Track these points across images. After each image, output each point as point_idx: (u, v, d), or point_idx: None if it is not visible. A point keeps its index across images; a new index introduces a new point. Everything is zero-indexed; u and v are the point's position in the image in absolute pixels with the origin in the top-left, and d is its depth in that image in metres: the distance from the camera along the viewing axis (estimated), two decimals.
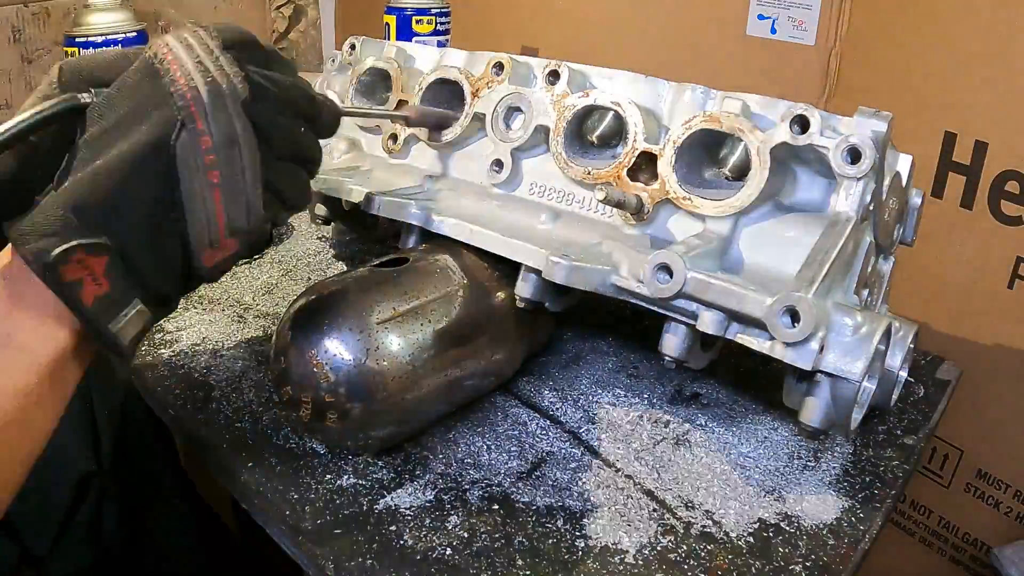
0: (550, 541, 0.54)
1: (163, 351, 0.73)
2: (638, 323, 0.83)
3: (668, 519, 0.57)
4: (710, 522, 0.57)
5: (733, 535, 0.56)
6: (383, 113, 0.77)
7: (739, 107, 0.60)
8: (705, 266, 0.56)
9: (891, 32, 0.99)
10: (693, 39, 1.20)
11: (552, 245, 0.62)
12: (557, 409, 0.68)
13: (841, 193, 0.58)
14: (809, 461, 0.64)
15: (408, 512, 0.56)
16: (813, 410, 0.55)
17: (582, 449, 0.64)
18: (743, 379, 0.74)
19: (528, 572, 0.52)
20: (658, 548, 0.54)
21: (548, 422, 0.67)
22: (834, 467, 0.63)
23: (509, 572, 0.52)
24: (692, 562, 0.53)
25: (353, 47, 0.87)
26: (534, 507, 0.57)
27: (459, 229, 0.66)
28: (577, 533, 0.55)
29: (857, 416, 0.57)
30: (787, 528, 0.57)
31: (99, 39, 0.83)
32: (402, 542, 0.53)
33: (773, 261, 0.59)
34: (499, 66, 0.72)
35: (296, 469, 0.59)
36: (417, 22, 1.11)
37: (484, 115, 0.72)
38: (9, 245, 0.43)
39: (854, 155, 0.56)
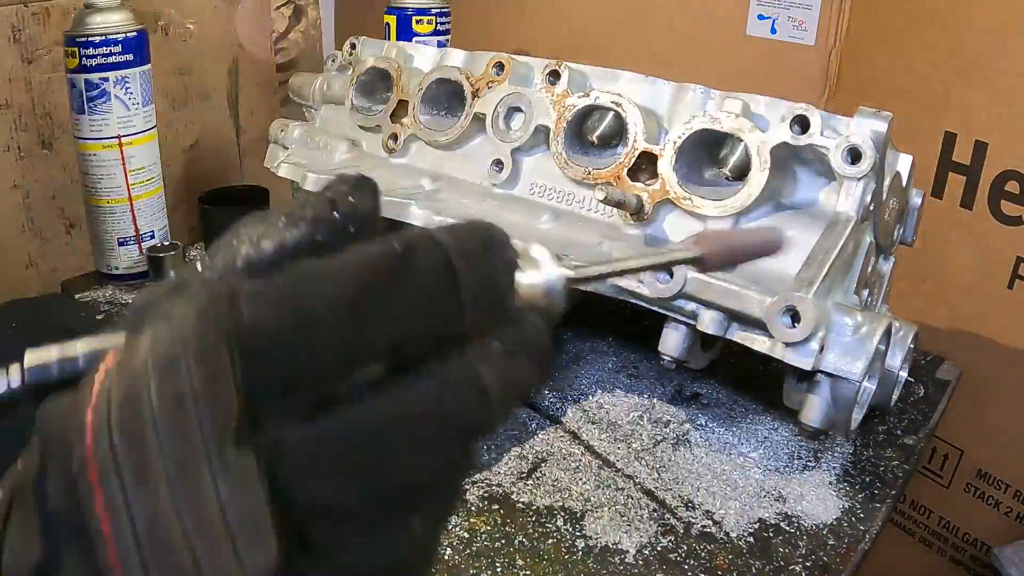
0: (550, 541, 0.54)
1: None
2: (638, 323, 0.82)
3: (668, 519, 0.57)
4: (710, 522, 0.57)
5: (733, 535, 0.56)
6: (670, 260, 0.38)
7: (739, 107, 0.60)
8: None
9: (891, 32, 0.99)
10: (693, 39, 1.20)
11: (552, 245, 0.62)
12: (557, 409, 0.68)
13: (841, 193, 0.57)
14: (809, 461, 0.64)
15: None
16: (813, 410, 0.55)
17: (582, 449, 0.64)
18: (743, 379, 0.74)
19: (528, 572, 0.52)
20: (658, 548, 0.54)
21: (548, 422, 0.67)
22: (834, 467, 0.63)
23: (509, 572, 0.52)
24: (692, 562, 0.53)
25: (353, 47, 0.87)
26: (534, 507, 0.57)
27: None
28: (577, 533, 0.55)
29: (857, 416, 0.57)
30: (787, 528, 0.57)
31: (99, 39, 0.82)
32: None
33: (773, 261, 0.59)
34: (499, 66, 0.72)
35: None
36: (417, 22, 1.11)
37: (484, 115, 0.72)
38: None
39: (854, 155, 0.56)
